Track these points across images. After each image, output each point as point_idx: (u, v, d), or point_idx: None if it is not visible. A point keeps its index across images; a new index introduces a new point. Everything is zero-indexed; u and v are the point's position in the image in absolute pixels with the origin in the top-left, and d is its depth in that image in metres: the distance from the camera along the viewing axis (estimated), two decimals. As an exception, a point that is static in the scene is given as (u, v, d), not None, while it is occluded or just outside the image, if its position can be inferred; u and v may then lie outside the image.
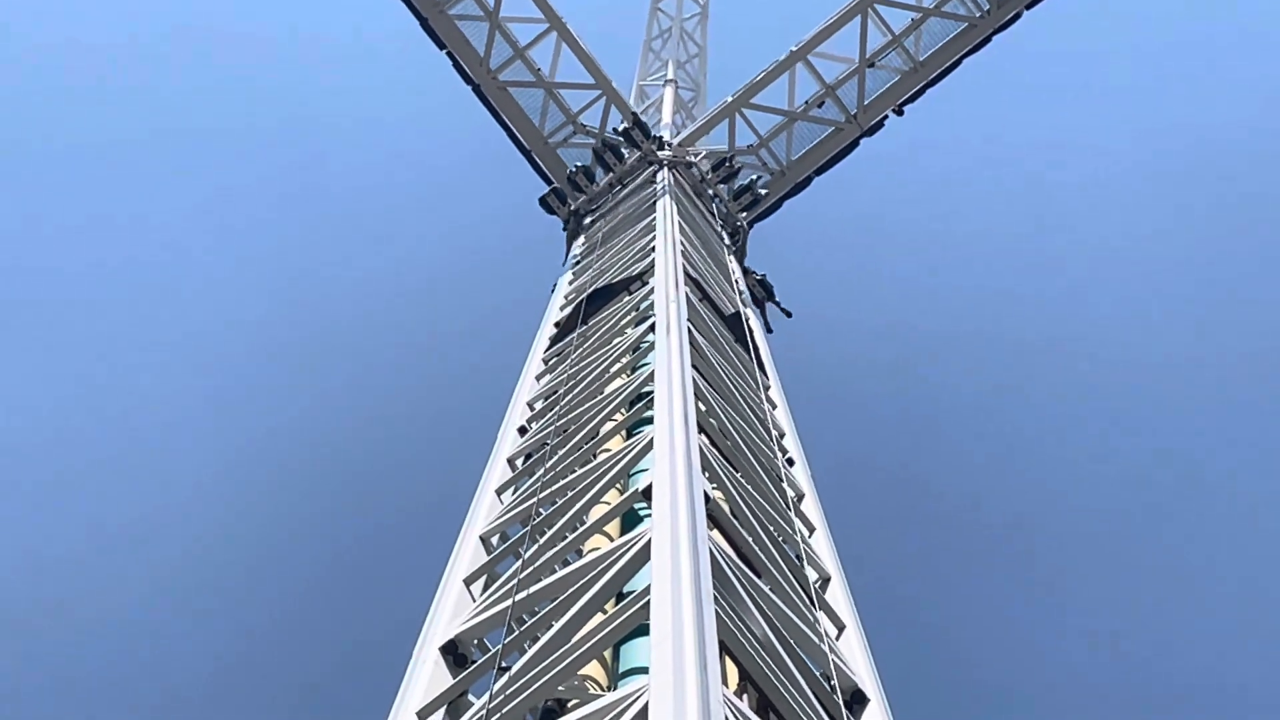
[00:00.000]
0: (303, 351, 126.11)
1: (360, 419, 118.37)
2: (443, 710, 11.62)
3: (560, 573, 14.35)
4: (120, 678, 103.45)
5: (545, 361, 25.46)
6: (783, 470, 20.47)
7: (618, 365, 21.68)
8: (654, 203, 32.26)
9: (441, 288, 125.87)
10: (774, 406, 23.31)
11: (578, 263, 32.46)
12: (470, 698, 12.42)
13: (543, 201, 39.33)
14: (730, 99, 42.46)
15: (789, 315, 36.66)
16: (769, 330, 34.17)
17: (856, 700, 13.75)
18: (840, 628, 15.81)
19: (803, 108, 41.27)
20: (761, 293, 35.16)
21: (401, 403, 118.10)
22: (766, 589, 14.26)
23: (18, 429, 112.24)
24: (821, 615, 14.93)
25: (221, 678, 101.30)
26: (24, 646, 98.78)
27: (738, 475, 17.84)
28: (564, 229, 38.41)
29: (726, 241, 35.44)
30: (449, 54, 40.76)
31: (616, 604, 12.46)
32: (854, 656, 15.19)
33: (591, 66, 42.13)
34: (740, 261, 35.53)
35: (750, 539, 15.83)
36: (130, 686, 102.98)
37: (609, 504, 16.81)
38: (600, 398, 20.37)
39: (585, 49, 42.23)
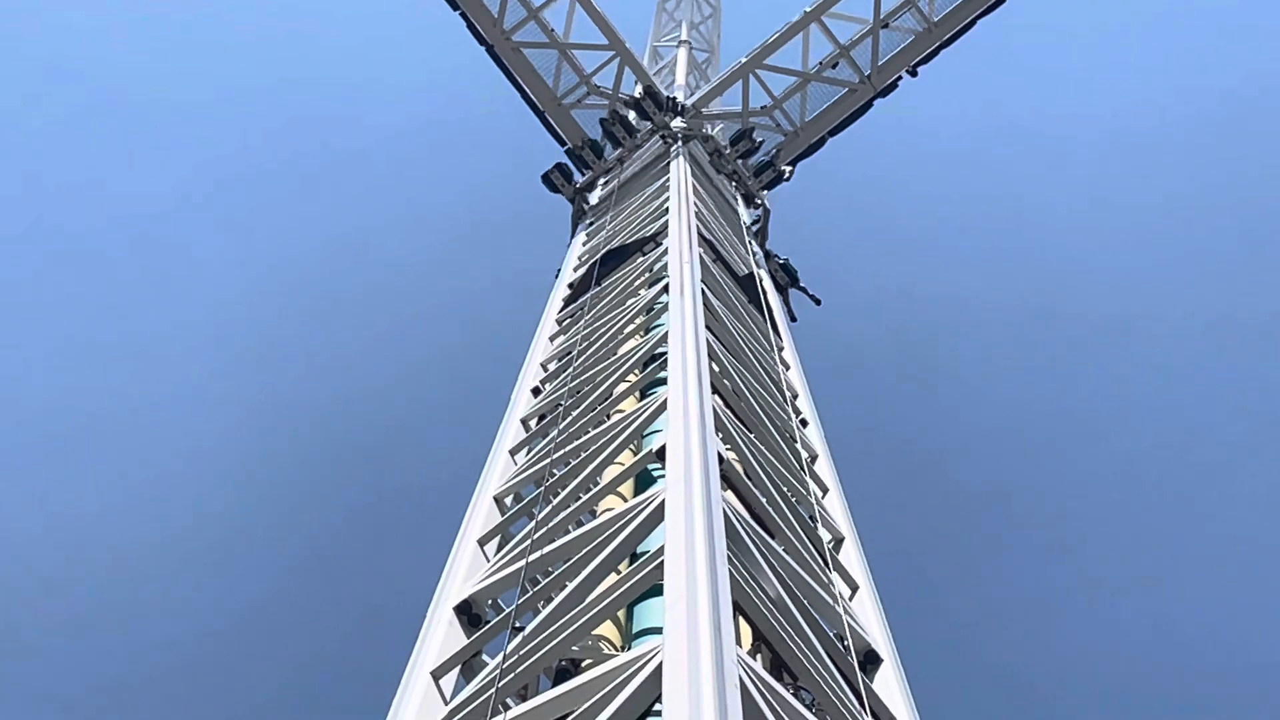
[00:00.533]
0: (316, 314, 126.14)
1: (376, 381, 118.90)
2: (457, 670, 11.80)
3: (574, 533, 14.44)
4: (150, 617, 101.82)
5: (559, 322, 25.38)
6: (796, 431, 20.46)
7: (631, 326, 21.69)
8: (667, 163, 30.92)
9: (456, 250, 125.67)
10: (787, 368, 23.14)
11: (590, 224, 31.76)
12: (485, 658, 12.53)
13: (545, 179, 37.14)
14: (744, 60, 41.80)
15: (818, 302, 34.49)
16: (793, 319, 31.86)
17: (870, 661, 13.94)
18: (854, 588, 15.79)
19: (817, 69, 40.68)
20: (785, 278, 32.94)
21: (416, 364, 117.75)
22: (780, 549, 14.37)
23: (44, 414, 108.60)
24: (835, 576, 14.97)
25: (235, 642, 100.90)
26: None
27: (751, 436, 17.86)
28: (571, 208, 36.58)
29: (744, 215, 33.82)
30: (462, 14, 40.33)
31: (630, 564, 12.73)
32: (867, 617, 15.34)
33: (605, 27, 41.46)
34: (762, 244, 33.65)
35: (764, 499, 15.94)
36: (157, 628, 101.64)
37: (623, 464, 16.71)
38: (614, 359, 20.33)
39: (598, 9, 41.67)
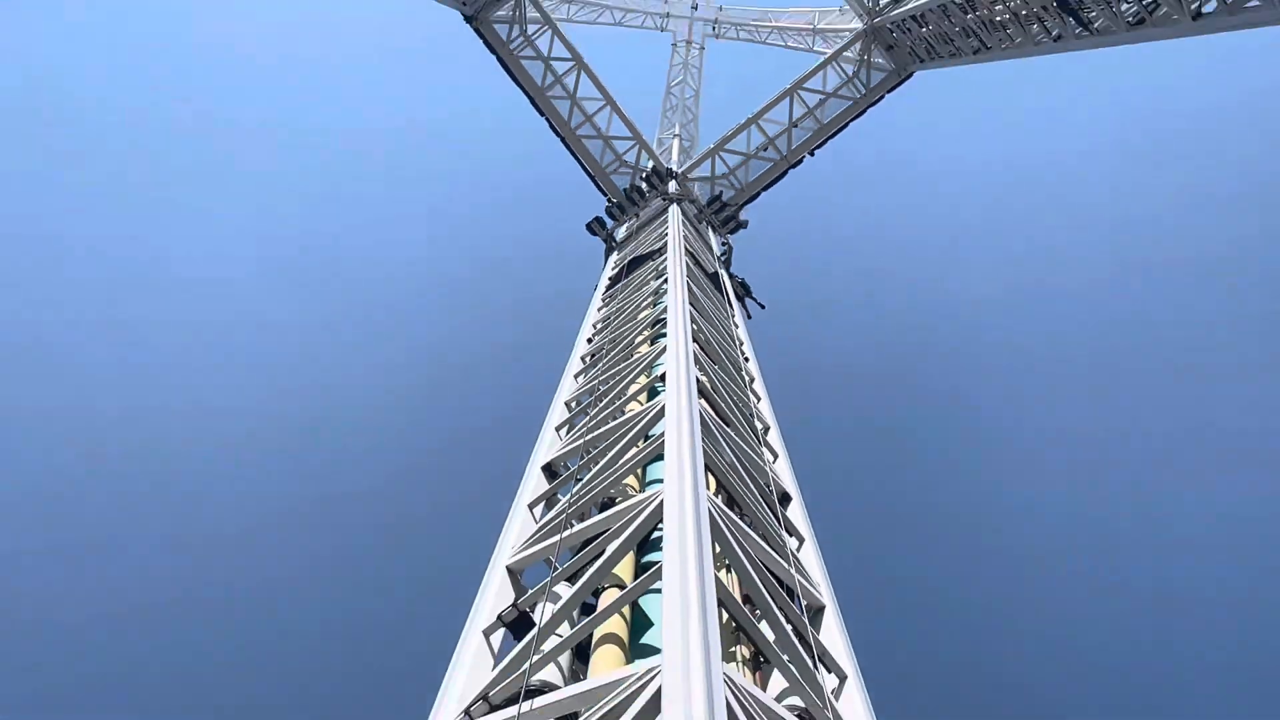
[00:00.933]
0: (399, 312, 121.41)
1: (456, 373, 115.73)
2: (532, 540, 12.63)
3: (611, 424, 16.33)
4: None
5: (604, 301, 27.24)
6: (741, 362, 22.33)
7: (646, 301, 24.05)
8: (666, 213, 33.36)
9: (522, 282, 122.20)
10: (737, 327, 24.57)
11: (617, 253, 33.87)
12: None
13: (588, 227, 39.36)
14: (712, 146, 43.70)
15: (763, 307, 35.91)
16: (749, 317, 34.09)
17: (816, 613, 16.16)
18: (800, 540, 15.03)
19: (754, 150, 42.29)
20: (741, 291, 34.36)
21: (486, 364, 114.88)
22: (738, 430, 17.00)
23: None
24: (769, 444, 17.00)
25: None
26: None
27: (715, 367, 19.43)
28: (604, 246, 38.81)
29: (715, 247, 35.19)
30: (547, 120, 41.92)
31: (644, 443, 14.87)
32: (809, 563, 15.23)
33: (630, 126, 43.00)
34: (727, 267, 34.52)
35: (722, 405, 17.63)
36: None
37: (640, 383, 18.58)
38: (635, 321, 22.43)
39: (627, 116, 43.01)
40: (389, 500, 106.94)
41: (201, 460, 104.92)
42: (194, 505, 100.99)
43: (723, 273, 29.17)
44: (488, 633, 10.89)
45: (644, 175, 41.52)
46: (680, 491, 10.96)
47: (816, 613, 12.47)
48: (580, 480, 14.88)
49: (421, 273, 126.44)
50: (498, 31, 40.39)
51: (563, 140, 42.79)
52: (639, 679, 7.59)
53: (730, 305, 27.55)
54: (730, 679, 7.42)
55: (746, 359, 23.51)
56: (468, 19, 39.66)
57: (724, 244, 38.59)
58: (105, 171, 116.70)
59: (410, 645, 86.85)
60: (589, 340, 23.56)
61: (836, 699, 10.38)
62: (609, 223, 39.81)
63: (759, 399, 21.71)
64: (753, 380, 22.41)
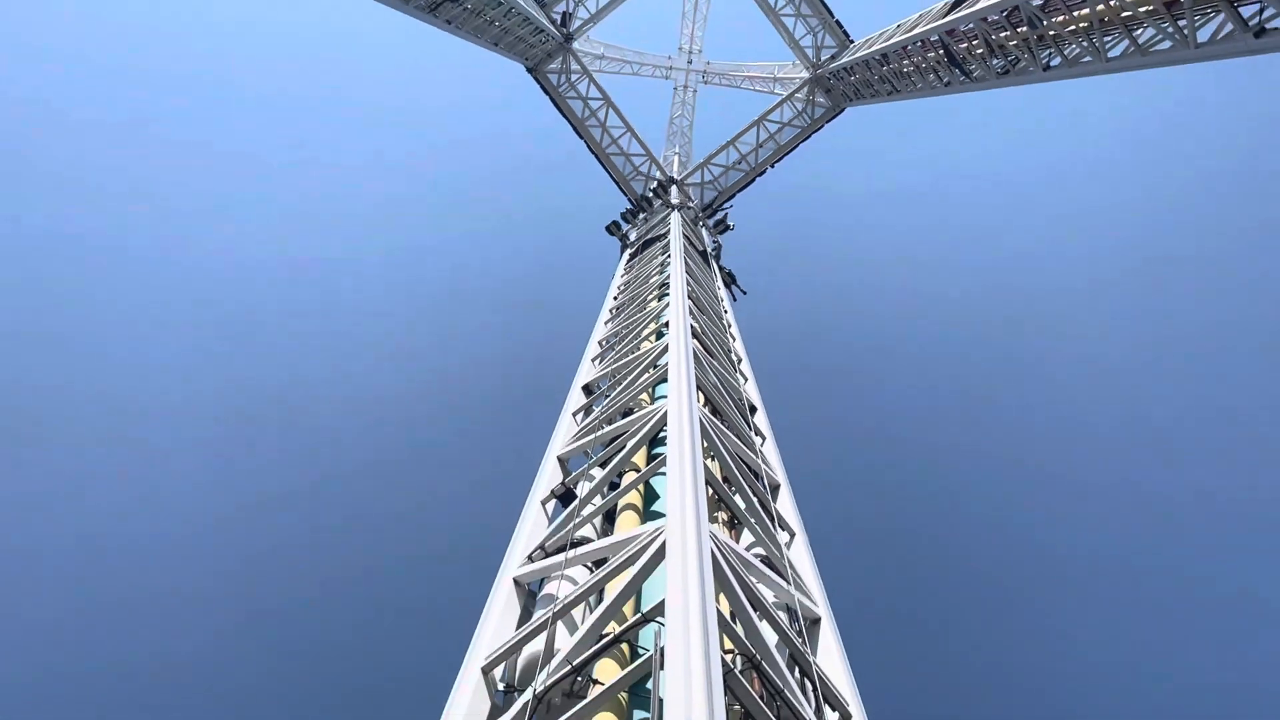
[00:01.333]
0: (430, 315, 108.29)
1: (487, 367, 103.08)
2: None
3: (629, 357, 16.13)
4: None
5: (625, 271, 26.74)
6: (721, 313, 22.07)
7: (654, 270, 23.59)
8: (669, 215, 31.97)
9: (547, 274, 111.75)
10: (721, 301, 23.93)
11: (630, 249, 30.84)
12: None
13: (607, 229, 36.80)
14: (702, 160, 43.72)
15: (744, 293, 33.22)
16: (734, 299, 32.18)
17: (752, 409, 15.66)
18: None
19: (732, 164, 42.39)
20: (728, 279, 32.48)
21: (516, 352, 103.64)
22: (720, 361, 16.68)
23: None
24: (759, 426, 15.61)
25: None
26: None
27: (704, 317, 18.88)
28: (620, 245, 35.77)
29: (708, 244, 33.16)
30: (585, 142, 42.40)
31: (654, 370, 14.60)
32: (751, 390, 16.58)
33: (644, 147, 43.18)
34: (717, 259, 32.96)
35: (709, 343, 17.33)
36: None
37: (650, 328, 17.91)
38: (647, 284, 22.00)
39: (641, 139, 43.30)
40: (466, 416, 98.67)
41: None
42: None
43: (713, 262, 28.35)
44: (544, 502, 11.08)
45: (653, 186, 40.20)
46: (679, 403, 11.16)
47: (774, 489, 12.53)
48: (608, 396, 14.88)
49: (479, 271, 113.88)
50: (550, 79, 41.20)
51: (596, 156, 43.10)
52: (650, 535, 8.15)
53: (717, 282, 27.24)
54: (714, 535, 7.79)
55: (730, 324, 22.22)
56: (529, 70, 41.00)
57: (715, 242, 36.18)
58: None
59: (482, 520, 77.98)
60: (614, 298, 23.14)
61: (788, 549, 10.81)
62: (623, 226, 37.10)
63: (735, 340, 21.45)
64: (731, 326, 22.10)
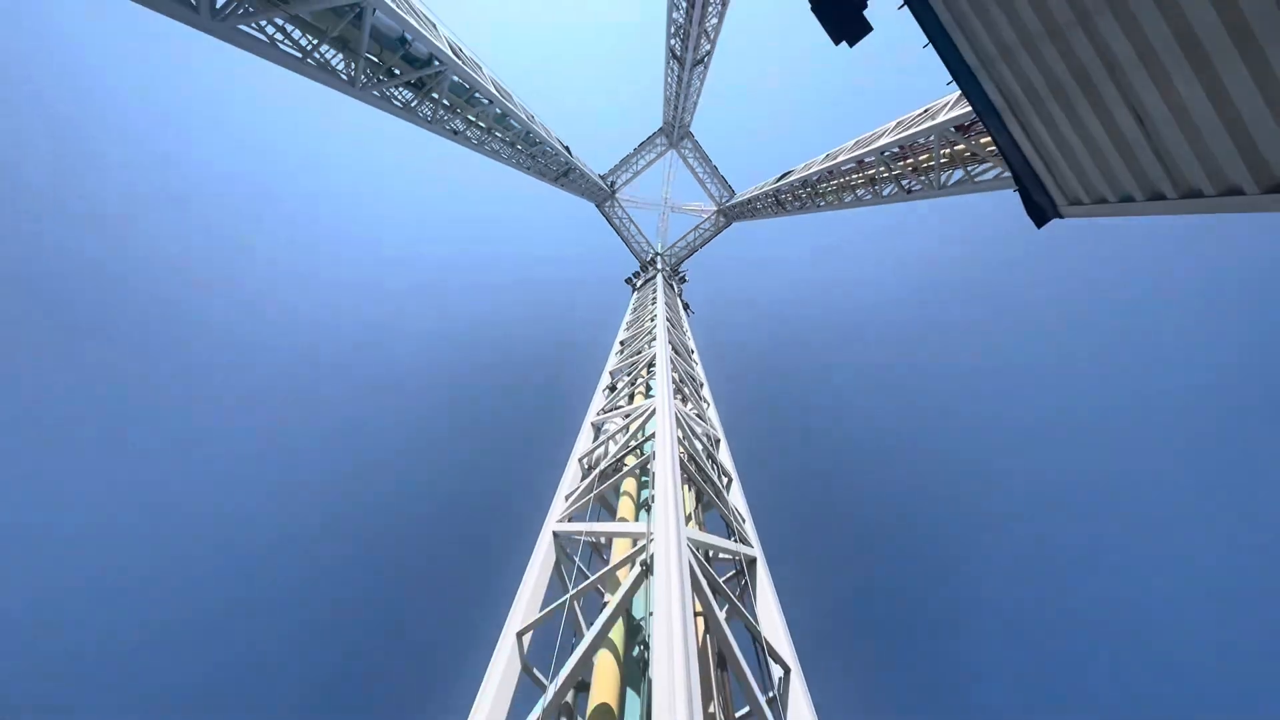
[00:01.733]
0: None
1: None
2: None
3: (634, 357, 17.31)
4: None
5: (633, 307, 27.25)
6: (685, 325, 22.46)
7: (650, 297, 24.71)
8: (655, 275, 35.32)
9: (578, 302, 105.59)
10: (683, 318, 24.02)
11: (637, 291, 35.63)
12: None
13: (627, 281, 42.38)
14: (667, 246, 48.58)
15: (693, 313, 34.42)
16: (690, 314, 33.27)
17: (700, 385, 16.85)
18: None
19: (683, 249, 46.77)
20: (686, 306, 34.10)
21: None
22: (683, 357, 17.35)
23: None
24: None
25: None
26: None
27: (675, 331, 18.71)
28: (631, 290, 40.46)
29: (676, 288, 37.26)
30: (622, 239, 49.23)
31: (649, 371, 16.40)
32: (701, 373, 17.04)
33: (647, 240, 49.18)
34: (680, 297, 35.01)
35: (679, 348, 17.49)
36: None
37: (647, 346, 19.07)
38: (646, 309, 22.34)
39: (645, 237, 49.75)
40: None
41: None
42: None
43: (677, 299, 30.56)
44: (581, 459, 11.33)
45: (648, 259, 46.63)
46: (663, 399, 11.46)
47: (716, 443, 12.82)
48: (621, 385, 15.18)
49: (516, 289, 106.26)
50: (606, 209, 48.77)
51: (626, 244, 49.74)
52: (648, 408, 9.29)
53: (681, 308, 29.34)
54: (690, 537, 7.38)
55: (686, 330, 21.99)
56: (596, 205, 48.44)
57: (679, 284, 40.72)
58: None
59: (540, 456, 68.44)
60: (627, 320, 23.06)
61: (728, 490, 11.02)
62: (634, 280, 41.53)
63: (693, 351, 20.67)
64: (687, 332, 21.85)
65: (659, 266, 40.39)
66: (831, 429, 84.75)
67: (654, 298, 25.12)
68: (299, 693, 59.89)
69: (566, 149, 34.97)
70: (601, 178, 47.83)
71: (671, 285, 35.01)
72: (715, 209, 50.71)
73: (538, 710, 5.29)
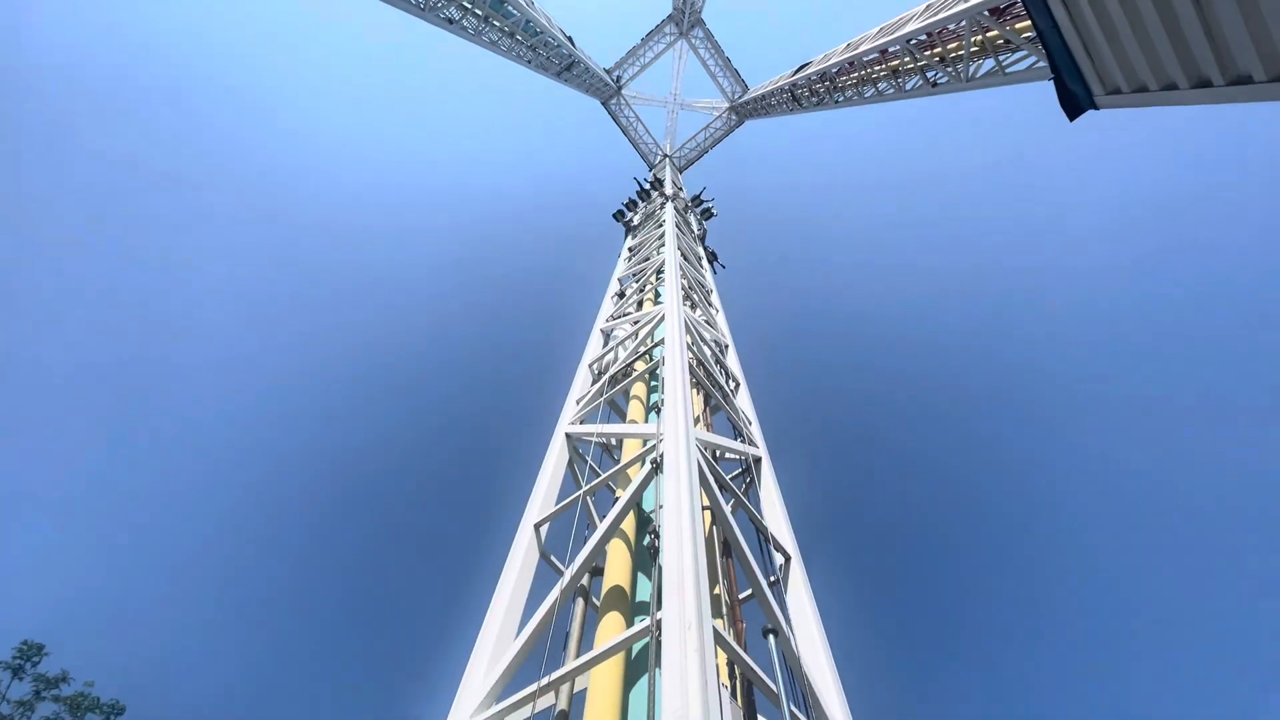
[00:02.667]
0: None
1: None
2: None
3: (644, 263, 16.48)
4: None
5: (634, 236, 23.44)
6: (702, 254, 21.05)
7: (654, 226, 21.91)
8: (664, 204, 26.57)
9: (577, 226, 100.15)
10: (701, 259, 21.40)
11: (634, 230, 25.67)
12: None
13: (614, 216, 28.27)
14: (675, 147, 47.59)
15: (724, 267, 24.13)
16: (714, 273, 23.31)
17: (709, 292, 16.58)
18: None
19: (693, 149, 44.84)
20: (711, 256, 23.73)
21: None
22: (691, 267, 16.44)
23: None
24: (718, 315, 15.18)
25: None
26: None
27: (685, 253, 17.65)
28: (624, 230, 27.70)
29: (695, 229, 26.16)
30: (630, 142, 46.98)
31: (658, 276, 15.40)
32: (709, 280, 16.55)
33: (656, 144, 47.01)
34: (702, 240, 25.69)
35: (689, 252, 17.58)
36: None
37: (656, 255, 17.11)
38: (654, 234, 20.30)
39: (653, 136, 47.89)
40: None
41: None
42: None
43: (698, 246, 23.30)
44: (591, 365, 11.12)
45: (649, 181, 32.80)
46: (672, 305, 11.16)
47: (724, 348, 12.72)
48: (630, 291, 14.84)
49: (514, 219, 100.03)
50: (611, 108, 46.85)
51: (636, 149, 47.86)
52: (658, 313, 9.38)
53: (704, 253, 23.33)
54: (698, 437, 7.25)
55: (706, 270, 19.99)
56: (602, 103, 46.57)
57: (701, 227, 28.13)
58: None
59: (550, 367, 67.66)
60: (629, 248, 20.79)
61: (735, 395, 10.91)
62: (626, 214, 28.67)
63: (701, 259, 20.49)
64: (702, 260, 20.47)
65: (668, 190, 28.61)
66: (844, 335, 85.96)
67: (660, 243, 19.00)
68: (329, 585, 64.83)
69: (569, 39, 32.71)
70: (607, 72, 45.14)
71: (689, 221, 25.95)
72: (727, 106, 48.10)
73: (556, 591, 5.69)
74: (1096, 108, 7.59)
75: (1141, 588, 59.00)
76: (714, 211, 30.28)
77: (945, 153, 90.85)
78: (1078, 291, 73.99)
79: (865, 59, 20.74)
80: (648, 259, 16.86)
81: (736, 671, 5.27)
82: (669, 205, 25.29)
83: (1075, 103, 7.64)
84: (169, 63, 78.28)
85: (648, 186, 29.54)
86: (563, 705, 5.06)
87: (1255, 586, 54.28)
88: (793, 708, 4.75)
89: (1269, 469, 57.14)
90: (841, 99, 23.87)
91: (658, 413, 7.79)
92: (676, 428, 6.91)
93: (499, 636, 5.55)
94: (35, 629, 32.70)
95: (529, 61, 29.18)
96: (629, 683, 5.14)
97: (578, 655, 5.36)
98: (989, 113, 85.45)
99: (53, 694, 30.99)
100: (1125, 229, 73.43)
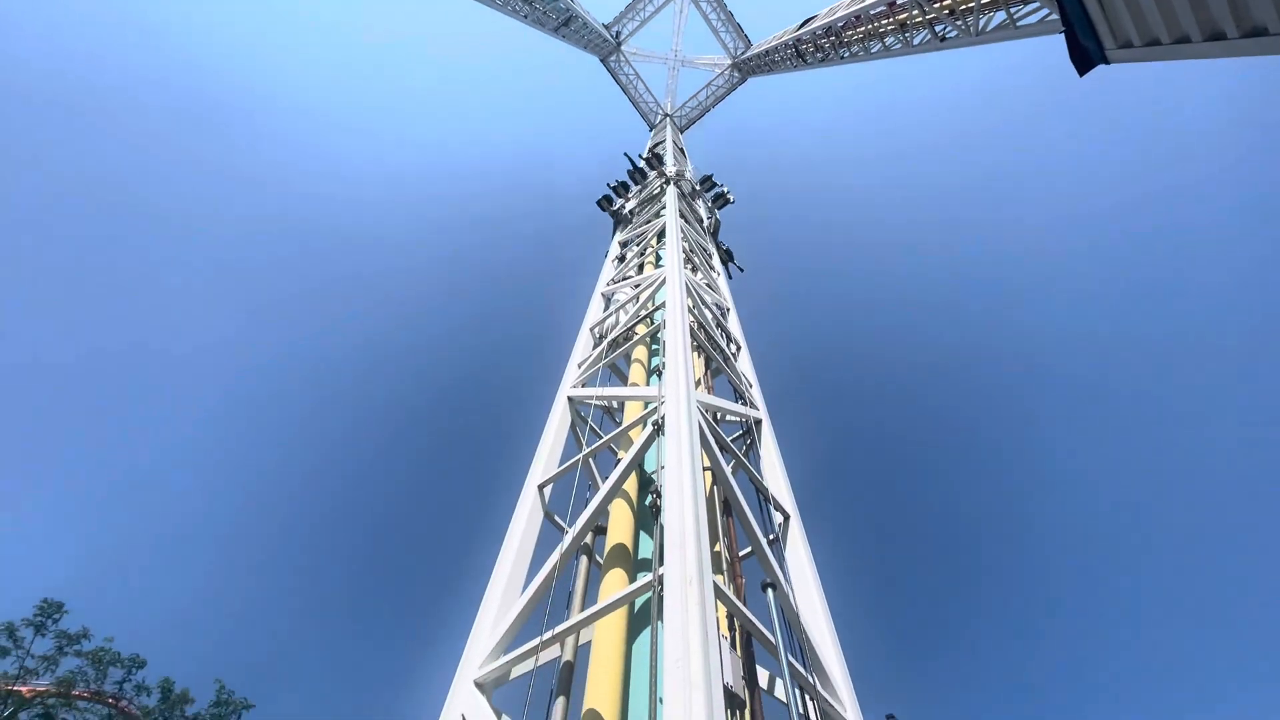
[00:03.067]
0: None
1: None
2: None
3: (643, 226, 16.22)
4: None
5: (625, 231, 18.58)
6: (708, 237, 18.71)
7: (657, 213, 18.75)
8: (665, 186, 20.70)
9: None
10: (711, 257, 17.67)
11: (625, 220, 20.03)
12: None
13: (598, 204, 21.47)
14: (675, 107, 47.07)
15: (741, 270, 19.38)
16: (730, 277, 18.48)
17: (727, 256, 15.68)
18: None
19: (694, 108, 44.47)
20: (725, 256, 19.00)
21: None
22: (693, 230, 16.15)
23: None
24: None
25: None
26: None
27: (687, 229, 16.12)
28: (614, 225, 20.67)
29: (704, 219, 20.45)
30: (632, 103, 47.08)
31: (658, 241, 15.03)
32: (713, 248, 15.96)
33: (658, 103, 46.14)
34: (715, 235, 20.42)
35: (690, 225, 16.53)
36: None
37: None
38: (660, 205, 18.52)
39: (656, 98, 47.28)
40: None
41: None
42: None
43: (707, 239, 19.05)
44: (592, 329, 10.88)
45: (646, 156, 24.62)
46: (673, 269, 10.94)
47: (725, 312, 12.48)
48: (630, 255, 14.48)
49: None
50: (611, 64, 45.79)
51: (636, 108, 46.85)
52: (660, 276, 9.29)
53: (716, 247, 19.52)
54: (699, 400, 7.14)
55: (711, 254, 17.38)
56: (601, 60, 45.90)
57: (711, 215, 21.43)
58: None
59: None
60: (619, 244, 17.25)
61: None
62: (615, 200, 21.07)
63: (703, 220, 19.25)
64: (704, 221, 19.20)
65: (670, 171, 21.82)
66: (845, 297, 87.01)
67: (660, 239, 16.02)
68: (342, 546, 67.71)
69: (566, -10, 31.73)
70: (606, 27, 43.97)
71: (695, 210, 20.49)
72: (730, 63, 46.89)
73: (560, 548, 5.82)
74: (1108, 62, 7.41)
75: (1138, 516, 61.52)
76: (730, 198, 24.31)
77: (949, 113, 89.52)
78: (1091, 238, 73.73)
79: (872, 11, 20.12)
80: (648, 222, 16.57)
81: (736, 624, 5.43)
82: (671, 189, 20.55)
83: (1086, 57, 7.46)
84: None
85: (643, 165, 23.63)
86: (568, 656, 5.26)
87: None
88: (790, 657, 4.88)
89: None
90: (847, 55, 23.23)
91: (659, 376, 7.79)
92: (678, 390, 6.91)
93: (505, 592, 5.70)
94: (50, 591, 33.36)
95: (525, 16, 28.31)
96: (632, 635, 5.28)
97: (582, 610, 5.50)
98: (993, 76, 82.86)
99: (74, 649, 31.99)
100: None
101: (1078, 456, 67.15)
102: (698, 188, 23.79)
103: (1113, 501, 65.07)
